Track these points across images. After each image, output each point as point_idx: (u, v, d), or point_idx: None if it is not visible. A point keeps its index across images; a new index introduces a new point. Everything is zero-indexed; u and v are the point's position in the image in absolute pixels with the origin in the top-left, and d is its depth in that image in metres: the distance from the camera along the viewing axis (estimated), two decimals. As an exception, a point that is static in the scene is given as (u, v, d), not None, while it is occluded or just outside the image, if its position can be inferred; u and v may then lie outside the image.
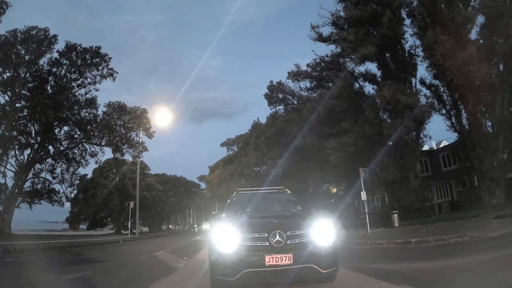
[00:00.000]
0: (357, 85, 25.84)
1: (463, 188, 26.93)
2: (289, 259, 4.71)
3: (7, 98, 25.55)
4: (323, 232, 5.12)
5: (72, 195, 35.93)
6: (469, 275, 5.42)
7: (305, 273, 4.83)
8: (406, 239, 11.39)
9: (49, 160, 30.13)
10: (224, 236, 4.97)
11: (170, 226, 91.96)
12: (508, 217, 12.61)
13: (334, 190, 40.14)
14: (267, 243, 4.78)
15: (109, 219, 51.41)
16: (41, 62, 26.75)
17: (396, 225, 19.03)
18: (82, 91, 27.96)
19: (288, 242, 4.83)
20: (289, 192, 7.74)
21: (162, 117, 34.00)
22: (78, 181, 36.15)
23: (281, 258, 4.70)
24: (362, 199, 19.29)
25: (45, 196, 30.53)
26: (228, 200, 7.29)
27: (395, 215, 19.46)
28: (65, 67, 27.01)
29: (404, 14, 22.95)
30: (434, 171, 30.88)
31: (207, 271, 5.78)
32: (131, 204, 31.82)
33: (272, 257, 4.69)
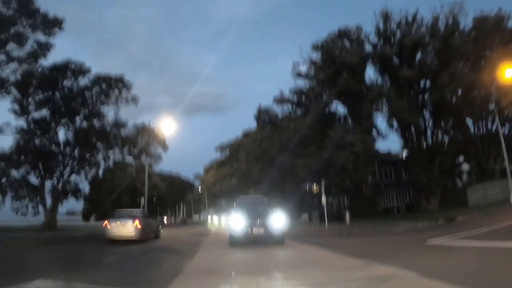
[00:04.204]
0: (327, 111, 32.69)
1: (415, 195, 34.47)
2: (262, 231, 10.22)
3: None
4: (279, 219, 10.53)
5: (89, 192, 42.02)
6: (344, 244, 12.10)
7: (268, 237, 10.34)
8: (340, 231, 17.76)
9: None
10: (236, 220, 10.65)
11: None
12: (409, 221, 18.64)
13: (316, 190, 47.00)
14: (253, 223, 10.24)
15: (119, 213, 56.64)
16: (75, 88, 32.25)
17: (348, 223, 23.15)
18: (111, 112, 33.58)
19: (262, 223, 10.29)
20: (265, 197, 14.41)
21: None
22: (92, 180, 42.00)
23: (258, 230, 10.26)
24: (322, 203, 25.81)
25: (73, 194, 36.82)
26: (235, 202, 13.83)
27: (347, 214, 24.49)
28: (95, 93, 32.66)
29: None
30: (397, 179, 37.59)
31: (220, 241, 12.88)
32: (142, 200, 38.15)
33: (255, 229, 10.26)
